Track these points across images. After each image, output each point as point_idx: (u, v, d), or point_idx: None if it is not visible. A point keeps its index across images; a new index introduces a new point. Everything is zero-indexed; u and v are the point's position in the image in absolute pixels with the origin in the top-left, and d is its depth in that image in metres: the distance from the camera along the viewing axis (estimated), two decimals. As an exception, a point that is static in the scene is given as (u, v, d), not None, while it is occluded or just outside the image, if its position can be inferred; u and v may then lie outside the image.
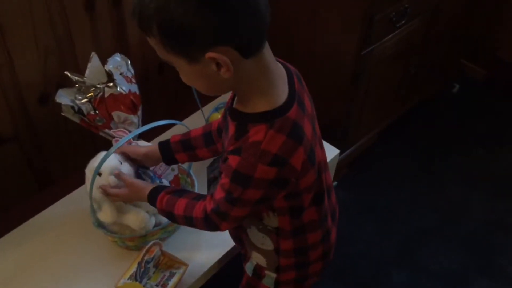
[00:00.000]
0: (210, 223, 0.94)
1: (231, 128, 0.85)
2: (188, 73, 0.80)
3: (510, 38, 2.21)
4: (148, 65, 1.51)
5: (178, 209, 0.98)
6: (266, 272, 1.05)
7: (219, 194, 0.88)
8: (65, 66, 1.29)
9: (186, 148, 1.10)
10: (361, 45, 1.48)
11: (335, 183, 1.86)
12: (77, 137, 1.41)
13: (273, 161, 0.79)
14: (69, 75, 1.16)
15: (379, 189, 1.95)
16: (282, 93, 0.83)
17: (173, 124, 1.41)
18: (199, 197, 0.99)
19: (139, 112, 1.21)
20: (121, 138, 1.16)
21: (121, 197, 1.11)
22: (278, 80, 0.83)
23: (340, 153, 1.61)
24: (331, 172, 1.57)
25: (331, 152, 1.48)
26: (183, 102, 1.58)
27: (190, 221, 0.98)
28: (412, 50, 1.75)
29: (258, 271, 1.08)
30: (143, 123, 1.12)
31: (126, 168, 1.12)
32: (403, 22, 1.54)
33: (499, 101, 2.32)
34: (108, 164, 1.09)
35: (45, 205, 1.32)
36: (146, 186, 1.06)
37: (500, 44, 2.25)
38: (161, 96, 1.61)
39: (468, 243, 1.78)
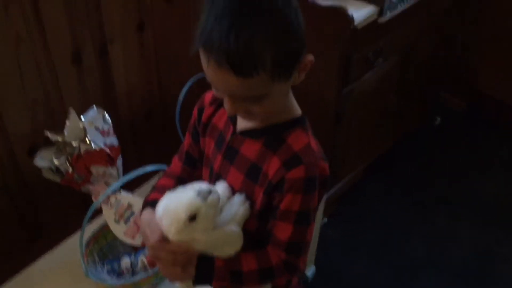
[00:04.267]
0: (290, 267, 0.87)
1: (252, 148, 0.88)
2: (281, 95, 0.84)
3: (487, 71, 2.29)
4: (136, 113, 1.54)
5: (249, 264, 0.85)
6: None
7: (284, 232, 0.84)
8: (53, 118, 1.31)
9: None
10: (341, 84, 1.53)
11: (325, 219, 1.88)
12: (67, 188, 1.42)
13: (323, 157, 0.87)
14: (49, 135, 1.16)
15: (368, 223, 1.96)
16: None
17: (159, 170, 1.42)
18: (261, 247, 0.88)
19: (119, 163, 1.21)
20: (99, 194, 1.16)
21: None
22: None
23: (327, 190, 1.63)
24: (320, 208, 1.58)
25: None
26: (170, 147, 1.61)
27: (268, 274, 0.86)
28: (392, 87, 1.80)
29: None
30: (130, 169, 1.13)
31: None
32: (380, 60, 1.60)
33: (480, 132, 2.37)
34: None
35: (36, 256, 1.31)
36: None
37: (478, 77, 2.33)
38: (149, 142, 1.63)
39: (459, 272, 1.78)
